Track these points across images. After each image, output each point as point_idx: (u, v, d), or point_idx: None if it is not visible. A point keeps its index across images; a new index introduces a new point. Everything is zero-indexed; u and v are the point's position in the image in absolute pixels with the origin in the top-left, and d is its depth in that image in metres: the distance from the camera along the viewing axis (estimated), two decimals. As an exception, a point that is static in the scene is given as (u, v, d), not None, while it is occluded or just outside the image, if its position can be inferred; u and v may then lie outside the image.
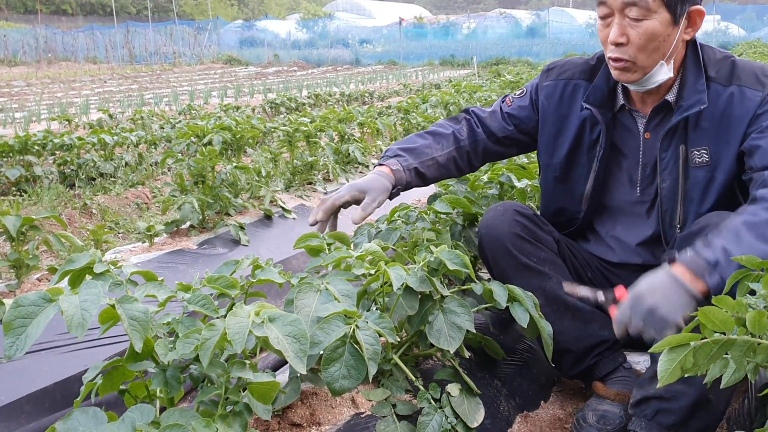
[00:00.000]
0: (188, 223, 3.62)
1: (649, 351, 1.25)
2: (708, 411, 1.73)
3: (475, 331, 1.77)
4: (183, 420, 1.11)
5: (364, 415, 1.68)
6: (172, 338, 1.25)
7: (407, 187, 2.17)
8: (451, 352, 1.71)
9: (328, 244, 1.89)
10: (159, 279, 1.36)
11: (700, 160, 1.92)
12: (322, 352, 1.48)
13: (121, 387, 1.36)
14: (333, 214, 2.05)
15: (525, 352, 2.29)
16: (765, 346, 1.24)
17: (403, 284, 1.67)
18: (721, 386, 1.30)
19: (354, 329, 1.51)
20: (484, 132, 2.27)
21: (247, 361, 1.28)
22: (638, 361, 2.21)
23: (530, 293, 1.91)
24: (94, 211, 4.75)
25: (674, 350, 1.25)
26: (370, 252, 1.77)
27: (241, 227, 3.59)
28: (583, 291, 1.85)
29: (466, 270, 1.70)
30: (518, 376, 2.17)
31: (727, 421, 1.89)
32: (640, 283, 1.67)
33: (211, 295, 1.35)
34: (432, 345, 1.95)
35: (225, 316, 1.18)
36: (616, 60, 1.88)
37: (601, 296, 1.81)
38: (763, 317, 1.21)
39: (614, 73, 1.93)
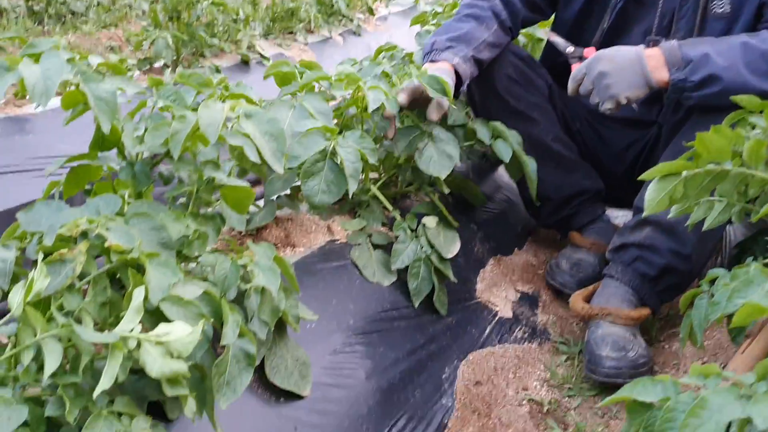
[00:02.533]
0: (162, 62, 3.47)
1: (639, 177, 1.21)
2: (686, 267, 1.73)
3: (460, 162, 1.73)
4: (152, 211, 1.05)
5: (339, 242, 1.64)
6: (141, 132, 1.18)
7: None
8: (442, 178, 1.68)
9: (300, 72, 1.78)
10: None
11: (720, 11, 1.81)
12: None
13: (87, 187, 1.30)
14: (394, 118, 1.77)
15: (503, 202, 2.26)
16: (759, 178, 1.20)
17: (380, 106, 1.59)
18: (704, 228, 1.27)
19: (334, 145, 1.44)
20: (519, 1, 2.08)
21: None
22: (617, 215, 2.21)
23: (515, 131, 1.86)
24: (63, 48, 4.53)
25: (665, 179, 1.21)
26: (347, 75, 1.67)
27: (217, 70, 3.45)
28: (558, 39, 1.93)
29: (445, 96, 1.63)
30: (494, 222, 2.15)
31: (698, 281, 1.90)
32: (610, 48, 1.69)
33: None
34: (410, 183, 1.91)
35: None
36: None
37: (570, 48, 1.89)
38: (762, 147, 1.16)
39: None
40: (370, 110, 1.60)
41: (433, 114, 1.70)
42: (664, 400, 0.65)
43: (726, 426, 0.60)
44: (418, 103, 1.71)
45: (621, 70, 1.63)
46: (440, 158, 1.67)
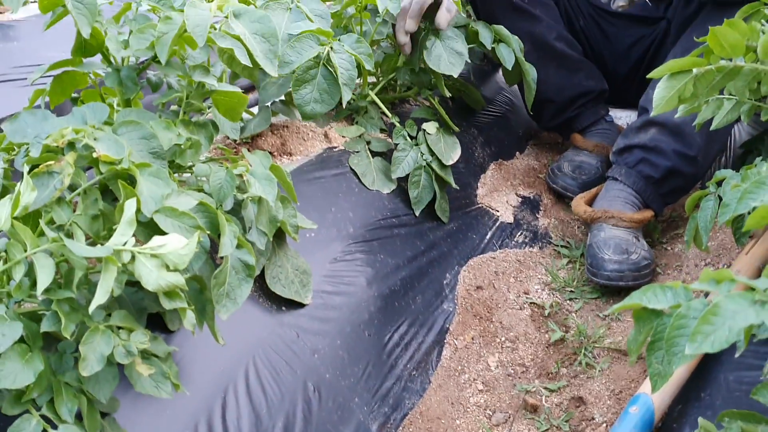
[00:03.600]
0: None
1: (649, 75, 1.16)
2: (691, 169, 1.69)
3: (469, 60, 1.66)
4: (141, 119, 1.01)
5: (336, 149, 1.61)
6: (126, 37, 1.12)
7: None
8: (455, 76, 1.62)
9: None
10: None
11: None
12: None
13: (74, 96, 1.25)
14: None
15: (504, 105, 2.20)
16: (773, 75, 1.15)
17: (385, 9, 1.52)
18: (712, 127, 1.23)
19: (328, 51, 1.38)
20: None
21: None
22: (621, 116, 2.16)
23: (516, 37, 1.78)
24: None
25: (675, 77, 1.16)
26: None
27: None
28: None
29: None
30: (495, 126, 2.10)
31: (702, 183, 1.87)
32: None
33: None
34: (409, 87, 1.85)
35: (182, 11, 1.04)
36: None
37: None
38: (779, 41, 1.11)
39: None
40: (380, 11, 1.52)
41: (443, 21, 1.60)
42: (675, 306, 0.63)
43: (739, 333, 0.58)
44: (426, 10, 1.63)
45: None
46: (450, 56, 1.61)
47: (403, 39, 1.61)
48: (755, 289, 0.61)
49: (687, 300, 0.64)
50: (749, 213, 0.86)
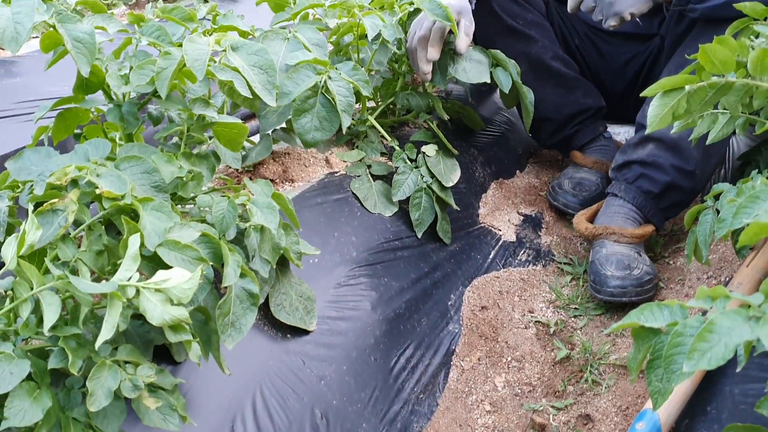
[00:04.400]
0: (147, -5, 3.37)
1: (642, 94, 1.17)
2: (690, 183, 1.70)
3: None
4: (142, 154, 1.03)
5: (338, 174, 1.62)
6: (126, 72, 1.14)
7: None
8: (487, 81, 1.69)
9: (293, -1, 1.72)
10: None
11: None
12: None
13: (76, 131, 1.27)
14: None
15: (503, 124, 2.22)
16: (764, 89, 1.16)
17: (378, 34, 1.54)
18: (708, 141, 1.24)
19: (326, 79, 1.40)
20: None
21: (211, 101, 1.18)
22: (619, 132, 2.17)
23: (513, 60, 1.80)
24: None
25: (668, 94, 1.17)
26: (341, 3, 1.61)
27: (205, 0, 3.35)
28: None
29: (447, 22, 1.57)
30: (495, 146, 2.11)
31: (701, 196, 1.88)
32: None
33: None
34: (408, 111, 1.87)
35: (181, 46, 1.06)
36: None
37: None
38: (767, 56, 1.12)
39: None
40: (369, 39, 1.55)
41: (462, 45, 1.66)
42: (672, 324, 0.64)
43: (735, 348, 0.59)
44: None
45: None
46: (474, 66, 1.69)
47: (427, 68, 1.64)
48: (750, 305, 0.62)
49: (683, 317, 0.65)
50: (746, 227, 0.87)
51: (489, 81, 1.69)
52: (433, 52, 1.62)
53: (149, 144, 1.15)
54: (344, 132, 1.49)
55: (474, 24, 1.71)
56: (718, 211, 1.24)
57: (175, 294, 0.78)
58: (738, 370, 0.69)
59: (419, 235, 1.60)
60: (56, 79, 2.40)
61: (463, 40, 1.65)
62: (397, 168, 1.62)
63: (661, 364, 0.65)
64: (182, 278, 0.79)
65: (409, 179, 1.60)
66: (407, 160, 1.63)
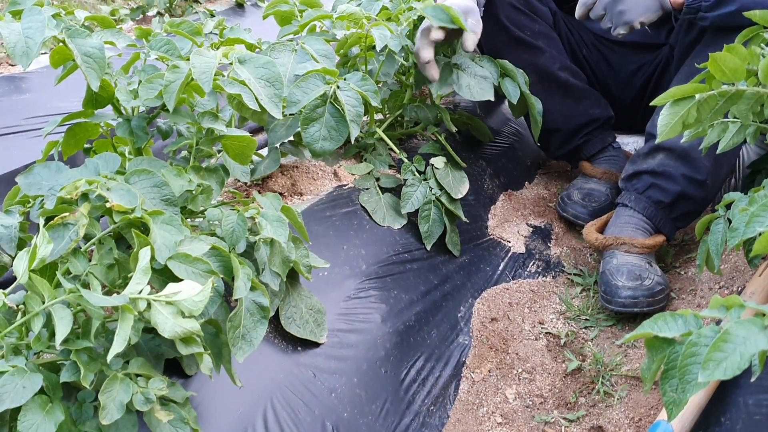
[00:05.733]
0: (155, 10, 3.40)
1: (652, 103, 1.17)
2: (701, 193, 1.69)
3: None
4: (152, 168, 1.03)
5: (346, 188, 1.62)
6: (135, 86, 1.14)
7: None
8: (491, 99, 1.68)
9: (300, 11, 1.73)
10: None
11: None
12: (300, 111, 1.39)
13: (86, 146, 1.28)
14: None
15: (511, 135, 2.22)
16: (775, 97, 1.16)
17: (385, 46, 1.54)
18: (718, 150, 1.24)
19: (335, 89, 1.40)
20: None
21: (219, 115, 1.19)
22: (628, 142, 2.17)
23: (521, 70, 1.81)
24: None
25: (678, 103, 1.17)
26: (349, 15, 1.61)
27: (211, 14, 3.37)
28: None
29: (454, 25, 1.57)
30: (503, 157, 2.11)
31: (712, 205, 1.87)
32: None
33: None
34: (416, 123, 1.88)
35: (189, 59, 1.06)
36: None
37: None
38: (778, 65, 1.12)
39: None
40: (377, 50, 1.55)
41: (470, 43, 1.65)
42: (686, 335, 0.64)
43: (751, 358, 0.58)
44: (447, 39, 1.66)
45: None
46: (478, 83, 1.67)
47: (429, 72, 1.63)
48: (765, 314, 0.61)
49: (698, 327, 0.64)
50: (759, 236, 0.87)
51: (493, 99, 1.68)
52: (423, 53, 1.61)
53: (158, 158, 1.15)
54: (353, 142, 1.49)
55: (481, 24, 1.70)
56: (729, 221, 1.23)
57: (186, 307, 0.78)
58: (752, 380, 0.68)
59: (428, 248, 1.60)
60: (65, 95, 2.41)
61: (470, 38, 1.64)
62: (406, 180, 1.62)
63: (676, 374, 0.64)
64: (193, 291, 0.79)
65: (417, 191, 1.60)
66: (416, 173, 1.63)
